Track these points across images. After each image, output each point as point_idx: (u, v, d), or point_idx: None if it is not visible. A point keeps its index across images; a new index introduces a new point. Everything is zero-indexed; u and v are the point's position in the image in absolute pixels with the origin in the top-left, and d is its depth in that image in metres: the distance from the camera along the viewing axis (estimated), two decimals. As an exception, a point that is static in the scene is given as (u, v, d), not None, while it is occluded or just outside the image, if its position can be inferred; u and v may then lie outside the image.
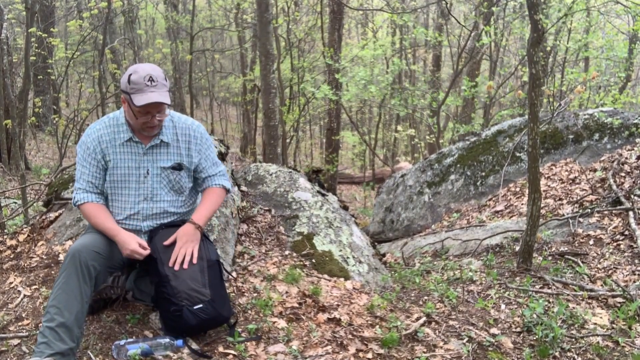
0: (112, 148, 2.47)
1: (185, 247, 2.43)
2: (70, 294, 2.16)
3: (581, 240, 4.05)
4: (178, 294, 2.34)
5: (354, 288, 3.19)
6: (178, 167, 2.55)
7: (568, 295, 3.25)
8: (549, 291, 3.29)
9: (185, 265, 2.39)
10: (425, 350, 2.54)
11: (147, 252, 2.41)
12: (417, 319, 2.85)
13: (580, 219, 4.29)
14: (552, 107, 6.25)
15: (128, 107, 2.40)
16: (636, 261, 3.62)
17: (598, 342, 2.73)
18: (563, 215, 4.51)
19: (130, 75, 2.34)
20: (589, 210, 4.40)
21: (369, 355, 2.44)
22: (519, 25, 11.32)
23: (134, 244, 2.39)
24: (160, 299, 2.40)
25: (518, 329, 2.84)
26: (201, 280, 2.39)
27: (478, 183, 5.95)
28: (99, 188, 2.51)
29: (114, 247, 2.41)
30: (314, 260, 3.43)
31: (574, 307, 3.09)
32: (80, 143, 2.51)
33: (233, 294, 2.85)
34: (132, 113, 2.39)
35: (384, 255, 5.04)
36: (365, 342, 2.55)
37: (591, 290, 3.31)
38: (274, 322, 2.64)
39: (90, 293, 2.25)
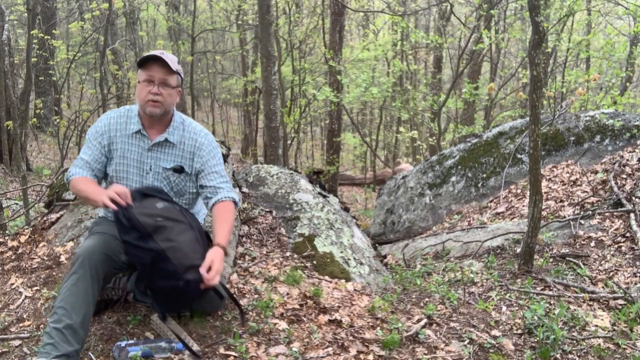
0: (121, 137, 2.51)
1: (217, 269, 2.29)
2: (79, 297, 2.16)
3: (582, 242, 4.05)
4: (179, 265, 2.25)
5: (355, 289, 3.19)
6: (179, 170, 2.55)
7: (569, 297, 3.24)
8: (550, 293, 3.29)
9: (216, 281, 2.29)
10: (426, 352, 2.54)
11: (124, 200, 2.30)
12: (418, 320, 2.84)
13: (582, 221, 4.29)
14: (553, 109, 6.24)
15: (138, 83, 2.46)
16: (637, 263, 3.62)
17: (599, 344, 2.73)
18: (564, 217, 4.51)
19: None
20: (590, 212, 4.39)
21: (370, 357, 2.44)
22: (519, 26, 11.32)
23: (110, 192, 2.28)
24: (158, 276, 2.28)
25: (519, 331, 2.84)
26: (200, 250, 2.35)
27: (479, 185, 5.95)
28: (94, 171, 2.52)
29: (120, 248, 2.41)
30: (315, 262, 3.43)
31: (575, 309, 3.08)
32: (92, 126, 2.56)
33: (234, 296, 2.85)
34: (139, 85, 2.44)
35: (385, 256, 5.03)
36: (366, 344, 2.55)
37: (592, 292, 3.31)
38: (275, 324, 2.64)
39: (97, 295, 2.26)
